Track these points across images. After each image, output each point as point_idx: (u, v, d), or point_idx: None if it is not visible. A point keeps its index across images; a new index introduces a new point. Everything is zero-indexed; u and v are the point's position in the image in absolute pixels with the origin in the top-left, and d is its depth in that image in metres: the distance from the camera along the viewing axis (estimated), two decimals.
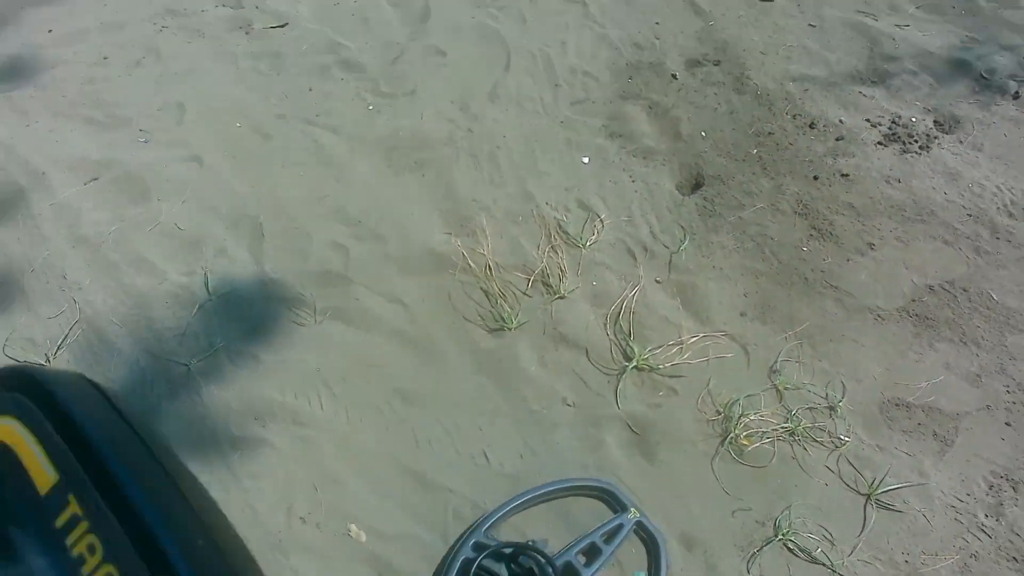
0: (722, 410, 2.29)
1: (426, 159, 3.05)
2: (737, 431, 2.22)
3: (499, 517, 2.01)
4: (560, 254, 2.70)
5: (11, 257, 2.74)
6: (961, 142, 3.17)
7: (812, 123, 3.23)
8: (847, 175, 3.01)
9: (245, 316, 2.55)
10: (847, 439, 2.25)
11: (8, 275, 2.69)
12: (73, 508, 0.53)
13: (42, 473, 0.54)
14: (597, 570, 1.95)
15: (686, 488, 2.16)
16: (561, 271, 2.64)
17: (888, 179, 3.00)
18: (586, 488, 2.09)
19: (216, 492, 2.08)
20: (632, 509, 2.03)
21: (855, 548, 2.05)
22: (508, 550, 1.86)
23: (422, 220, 2.82)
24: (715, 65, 3.48)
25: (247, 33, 3.69)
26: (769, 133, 3.17)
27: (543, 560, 1.81)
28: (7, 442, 0.55)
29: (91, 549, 0.52)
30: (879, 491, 2.14)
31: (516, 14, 3.76)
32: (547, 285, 2.61)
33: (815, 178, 3.00)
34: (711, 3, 3.83)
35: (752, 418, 2.27)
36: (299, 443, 2.25)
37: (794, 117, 3.25)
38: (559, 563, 1.91)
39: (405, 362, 2.43)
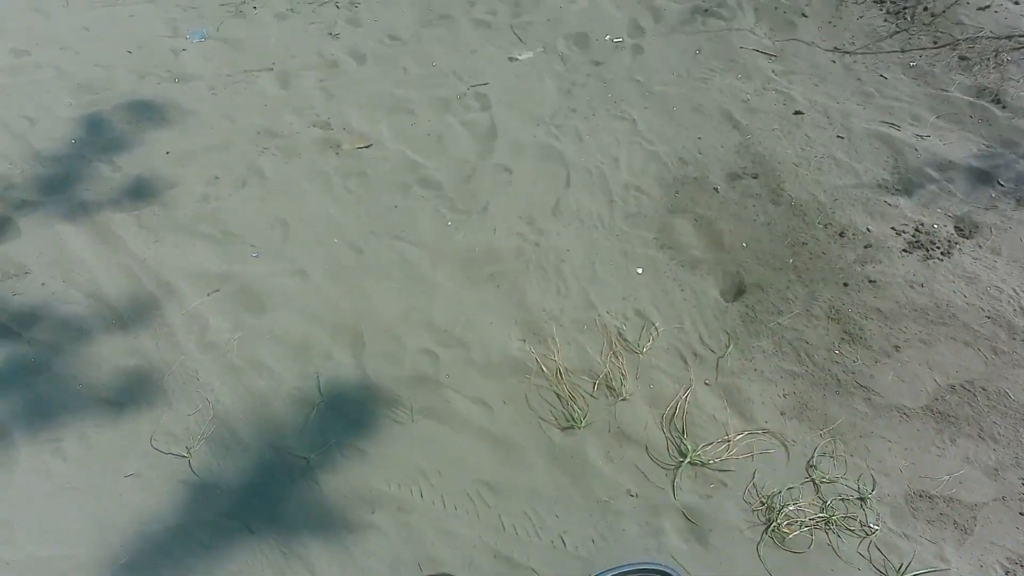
0: (766, 501, 2.71)
1: (499, 272, 3.58)
2: (779, 520, 2.64)
3: None
4: (620, 359, 3.18)
5: (151, 361, 3.31)
6: (980, 247, 3.59)
7: (842, 232, 3.69)
8: (874, 281, 3.44)
9: (352, 415, 3.06)
10: (876, 527, 2.65)
11: (150, 376, 3.25)
12: None
13: None
14: None
15: (735, 571, 2.57)
16: (622, 375, 3.11)
17: (912, 284, 3.43)
18: (647, 570, 2.51)
19: (340, 569, 2.57)
20: None
21: None
22: None
23: (499, 329, 3.32)
24: (753, 178, 3.97)
25: (337, 153, 4.31)
26: (803, 243, 3.63)
27: None
28: None
29: None
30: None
31: (572, 132, 4.32)
32: (610, 388, 3.08)
33: (845, 284, 3.45)
34: (748, 116, 4.34)
35: (792, 508, 2.68)
36: (403, 528, 2.72)
37: (826, 227, 3.71)
38: None
39: (490, 456, 2.91)
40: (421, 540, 2.67)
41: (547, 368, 3.13)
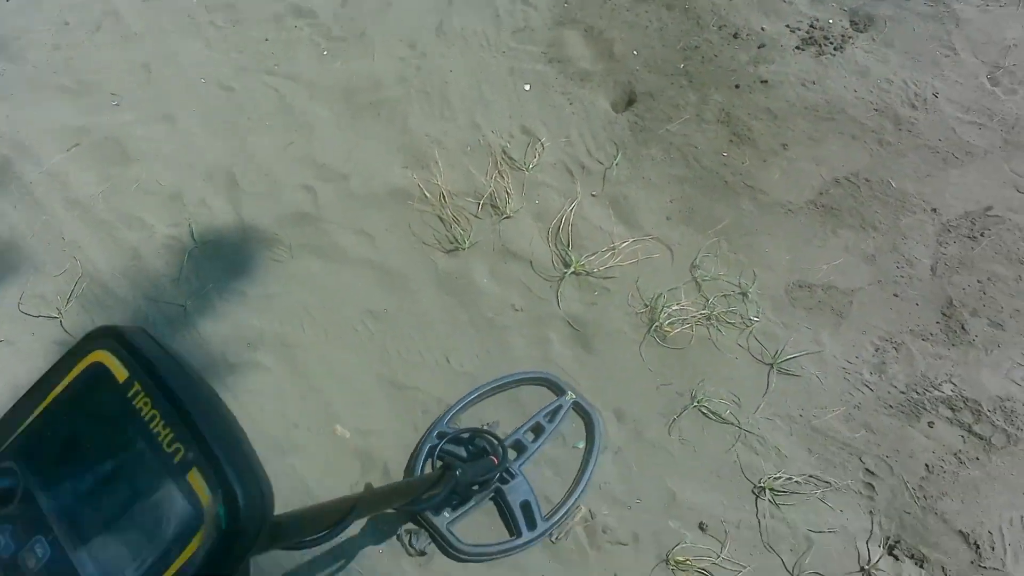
0: (648, 303, 2.69)
1: (380, 99, 3.36)
2: (661, 320, 2.63)
3: (458, 409, 2.44)
4: (506, 178, 3.06)
5: (12, 224, 3.09)
6: (874, 40, 3.47)
7: (736, 33, 3.52)
8: (767, 81, 3.32)
9: (229, 259, 2.92)
10: (756, 320, 2.66)
11: (12, 240, 3.04)
12: (137, 387, 0.92)
13: (121, 371, 0.94)
14: (542, 444, 2.38)
15: (618, 371, 2.59)
16: (507, 193, 3.00)
17: (804, 82, 3.32)
18: (529, 379, 2.51)
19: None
20: (569, 392, 2.46)
21: (758, 408, 2.49)
22: (465, 435, 2.30)
23: (381, 158, 3.15)
24: None
25: None
26: (696, 47, 3.46)
27: (495, 440, 2.26)
28: (102, 362, 0.95)
29: (152, 414, 0.91)
30: (781, 360, 2.57)
31: None
32: (495, 207, 2.97)
33: (737, 87, 3.32)
34: None
35: (674, 308, 2.68)
36: (287, 363, 2.66)
37: (720, 28, 3.54)
38: (509, 441, 2.36)
39: (374, 286, 2.82)
40: (305, 372, 2.62)
41: (430, 193, 3.00)
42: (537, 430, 2.40)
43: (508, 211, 2.94)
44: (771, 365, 2.56)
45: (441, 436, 2.33)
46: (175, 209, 3.08)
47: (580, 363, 2.61)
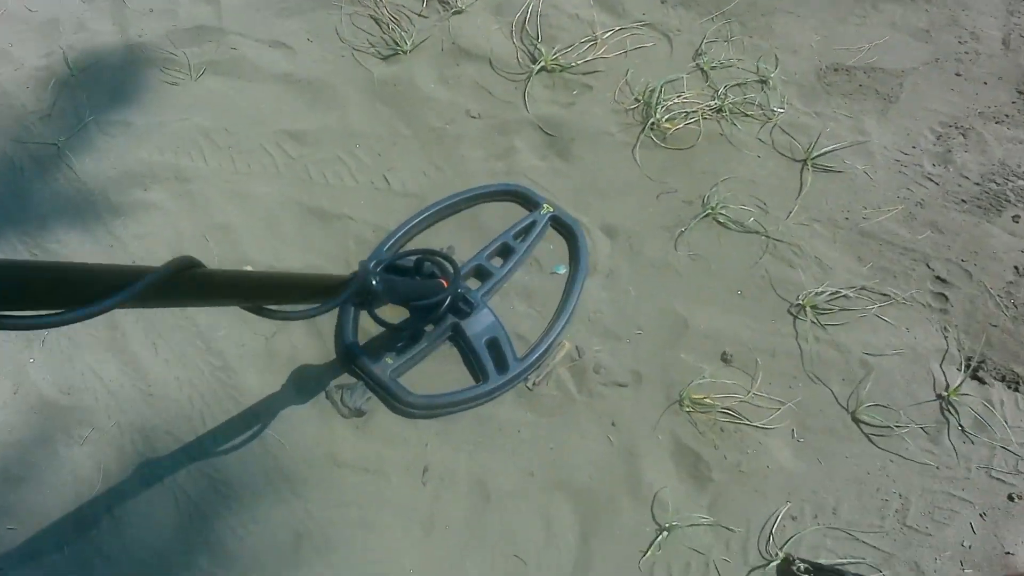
0: (641, 97, 2.03)
1: None
2: (658, 116, 1.98)
3: (401, 234, 1.81)
4: None
5: None
6: None
7: None
8: None
9: (113, 85, 2.26)
10: (781, 110, 2.01)
11: None
12: None
13: None
14: (511, 269, 1.76)
15: (606, 180, 1.94)
16: None
17: None
18: (493, 194, 1.88)
19: (100, 258, 1.88)
20: (545, 205, 1.83)
21: (791, 213, 1.86)
22: (410, 261, 1.66)
23: None
24: None
25: None
26: None
27: (447, 263, 1.62)
28: None
29: None
30: (816, 155, 1.92)
31: None
32: (442, 2, 2.29)
33: None
34: None
35: (675, 101, 2.02)
36: (184, 199, 2.02)
37: None
38: (467, 269, 1.73)
39: (293, 103, 2.16)
40: (207, 208, 1.99)
41: None
42: (505, 252, 1.78)
43: (459, 5, 2.25)
44: (804, 161, 1.91)
45: (379, 268, 1.69)
46: (49, 37, 2.40)
47: (556, 174, 1.96)
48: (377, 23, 2.28)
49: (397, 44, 2.21)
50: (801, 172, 1.92)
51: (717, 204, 1.86)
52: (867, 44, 2.14)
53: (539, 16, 2.23)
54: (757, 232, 1.84)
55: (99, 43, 2.36)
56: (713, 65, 2.09)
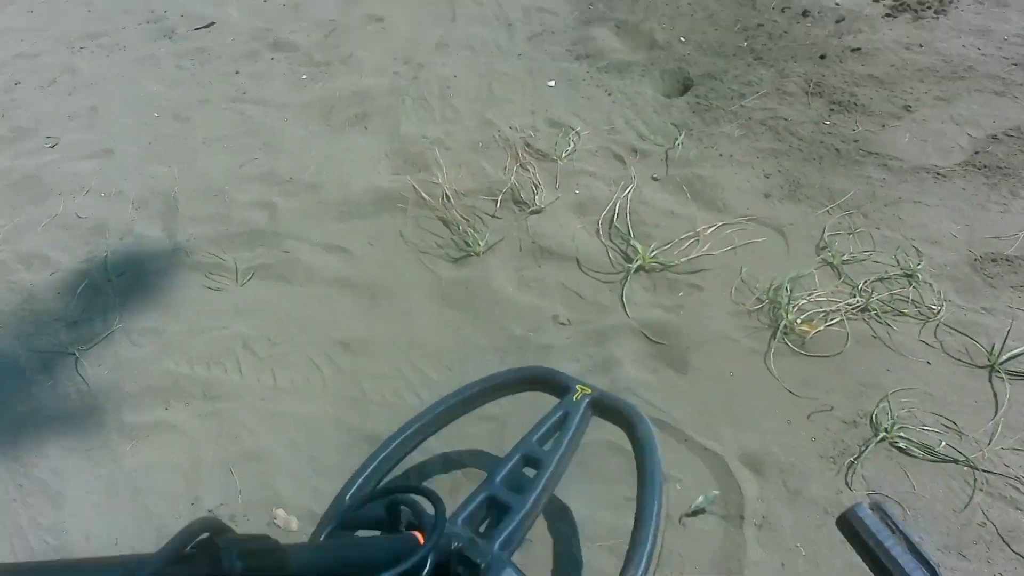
0: (766, 297, 1.62)
1: (368, 111, 2.51)
2: (790, 317, 1.56)
3: (380, 460, 1.23)
4: (532, 170, 2.10)
5: None
6: (981, 2, 2.59)
7: (805, 11, 2.68)
8: (858, 49, 2.44)
9: (150, 291, 1.94)
10: (940, 307, 1.57)
11: None
12: None
13: None
14: (539, 495, 1.12)
15: (737, 396, 1.48)
16: (535, 185, 2.03)
17: (908, 46, 2.42)
18: (503, 386, 1.34)
19: (100, 498, 1.42)
20: (578, 387, 1.27)
21: (993, 436, 1.35)
22: (378, 501, 0.97)
23: (364, 165, 2.26)
24: None
25: (170, 38, 3.23)
26: (758, 25, 2.62)
27: (430, 501, 0.91)
28: None
29: None
30: (1003, 359, 1.45)
31: None
32: (519, 202, 2.00)
33: (822, 57, 2.43)
34: None
35: (808, 300, 1.60)
36: (210, 419, 1.60)
37: (783, 10, 2.70)
38: (475, 504, 1.11)
39: (348, 310, 1.80)
40: (236, 432, 1.55)
41: (429, 195, 2.04)
42: (520, 477, 1.18)
43: (538, 204, 1.96)
44: (990, 368, 1.44)
45: (351, 508, 1.08)
46: (92, 242, 2.15)
47: (672, 390, 1.51)
48: (446, 225, 1.98)
49: (469, 245, 1.88)
50: (990, 381, 1.44)
51: (892, 426, 1.36)
52: (1020, 232, 1.74)
53: (628, 213, 1.91)
54: (955, 461, 1.31)
55: (144, 248, 2.09)
56: (845, 259, 1.69)
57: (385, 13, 3.09)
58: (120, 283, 2.01)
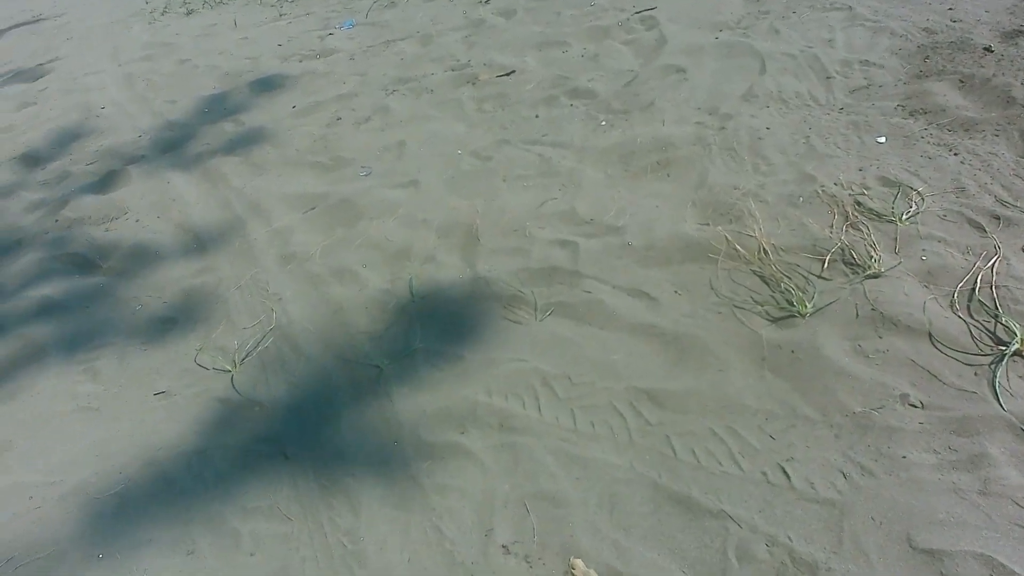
0: None
1: (670, 159, 2.48)
2: None
3: None
4: (865, 231, 1.91)
5: (220, 277, 2.51)
6: None
7: None
8: None
9: (451, 317, 2.03)
10: None
11: (214, 292, 2.44)
12: None
13: None
14: None
15: None
16: (871, 248, 1.84)
17: None
18: None
19: (395, 511, 1.46)
20: None
21: None
22: None
23: (668, 212, 2.21)
24: None
25: (473, 84, 3.49)
26: None
27: None
28: None
29: None
30: None
31: (766, 29, 3.22)
32: (851, 264, 1.82)
33: None
34: None
35: None
36: (506, 452, 1.59)
37: None
38: None
39: (653, 359, 1.73)
40: (532, 470, 1.53)
41: (744, 248, 1.93)
42: None
43: (876, 268, 1.76)
44: None
45: None
46: (398, 265, 2.31)
47: None
48: (764, 281, 1.84)
49: (792, 305, 1.73)
50: None
51: None
52: None
53: (994, 287, 1.64)
54: None
55: (444, 275, 2.19)
56: None
57: (687, 64, 3.07)
58: (422, 305, 2.11)
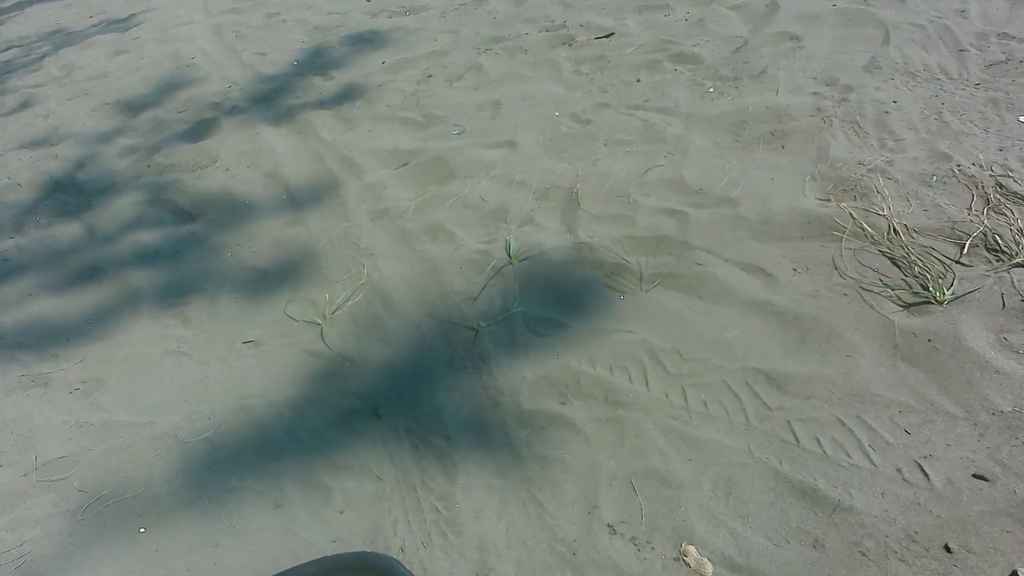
0: None
1: (786, 129, 2.34)
2: None
3: None
4: (1010, 216, 1.76)
5: (311, 229, 2.50)
6: None
7: None
8: None
9: (551, 282, 1.96)
10: None
11: (306, 244, 2.43)
12: None
13: None
14: None
15: None
16: (1019, 233, 1.69)
17: None
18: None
19: (492, 478, 1.41)
20: None
21: None
22: None
23: (785, 185, 2.08)
24: None
25: (569, 45, 3.39)
26: None
27: None
28: None
29: None
30: None
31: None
32: (993, 250, 1.67)
33: None
34: None
35: None
36: (611, 426, 1.52)
37: None
38: None
39: (772, 339, 1.63)
40: (639, 447, 1.46)
41: (871, 227, 1.80)
42: None
43: (1023, 256, 1.61)
44: None
45: None
46: (494, 225, 2.25)
47: None
48: (894, 263, 1.71)
49: (928, 290, 1.59)
50: None
51: None
52: None
53: None
54: None
55: (544, 239, 2.12)
56: None
57: (802, 32, 2.90)
58: (521, 268, 2.05)
